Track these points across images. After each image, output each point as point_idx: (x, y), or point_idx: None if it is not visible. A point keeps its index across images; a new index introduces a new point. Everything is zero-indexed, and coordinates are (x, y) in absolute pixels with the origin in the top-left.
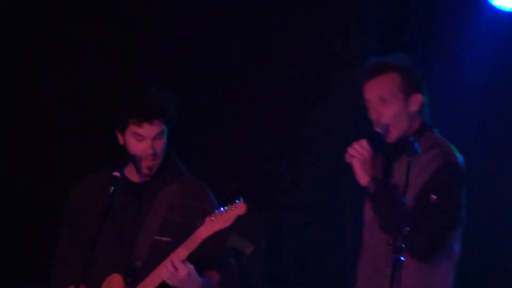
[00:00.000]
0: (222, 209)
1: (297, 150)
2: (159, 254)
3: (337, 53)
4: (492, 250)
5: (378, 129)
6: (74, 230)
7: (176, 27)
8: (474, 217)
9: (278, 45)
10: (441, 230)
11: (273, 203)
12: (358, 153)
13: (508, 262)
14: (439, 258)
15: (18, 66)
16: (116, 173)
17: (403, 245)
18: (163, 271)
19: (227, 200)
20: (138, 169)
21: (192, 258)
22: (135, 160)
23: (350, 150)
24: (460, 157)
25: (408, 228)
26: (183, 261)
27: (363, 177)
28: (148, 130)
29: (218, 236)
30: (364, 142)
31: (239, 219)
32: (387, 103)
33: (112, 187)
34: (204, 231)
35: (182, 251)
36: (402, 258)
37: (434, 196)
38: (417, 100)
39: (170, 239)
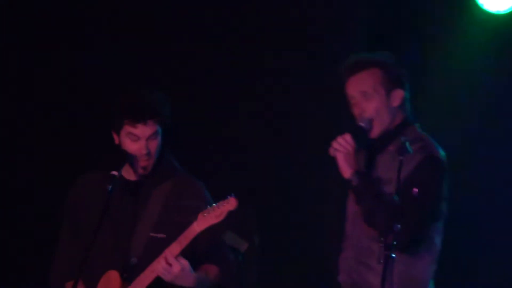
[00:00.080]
0: (214, 205)
1: (292, 147)
2: (155, 250)
3: (328, 54)
4: (472, 244)
5: (361, 124)
6: (73, 228)
7: (172, 27)
8: (456, 211)
9: (271, 42)
10: (421, 222)
11: (267, 200)
12: (342, 146)
13: (490, 256)
14: (420, 250)
15: (14, 67)
16: (114, 172)
17: (395, 243)
18: (157, 267)
19: (221, 197)
20: (134, 169)
21: (187, 253)
22: (130, 160)
23: (334, 144)
24: (442, 152)
25: (399, 226)
26: (176, 257)
27: (346, 170)
28: (143, 130)
29: (212, 231)
30: (347, 136)
31: (230, 214)
32: (369, 98)
33: (110, 186)
34: (197, 227)
35: (175, 247)
36: (393, 256)
37: (415, 189)
38: (398, 95)
39: (165, 236)
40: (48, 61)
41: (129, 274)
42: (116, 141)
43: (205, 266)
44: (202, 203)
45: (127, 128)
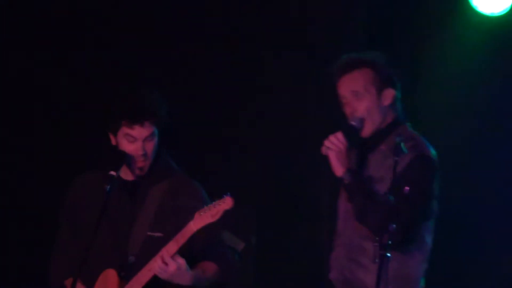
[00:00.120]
0: (210, 204)
1: (290, 147)
2: (152, 249)
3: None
4: (463, 243)
5: (353, 123)
6: (72, 227)
7: (170, 28)
8: (447, 210)
9: (270, 42)
10: (413, 221)
11: (264, 200)
12: (334, 145)
13: (479, 255)
14: (412, 249)
15: (12, 67)
16: (112, 172)
17: (390, 242)
18: (154, 266)
19: (219, 197)
20: (131, 169)
21: (184, 251)
22: (128, 160)
23: (326, 142)
24: (432, 150)
25: (394, 226)
26: (173, 256)
27: (338, 169)
28: (139, 131)
29: (208, 230)
30: (339, 135)
31: (226, 213)
32: (360, 97)
33: (109, 186)
34: (194, 226)
35: (172, 246)
36: (388, 255)
37: (407, 188)
38: (389, 94)
39: (162, 235)
40: (47, 61)
41: (126, 273)
42: (113, 142)
43: (202, 263)
44: (198, 202)
45: (124, 130)
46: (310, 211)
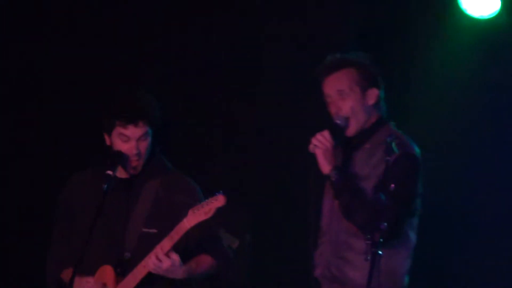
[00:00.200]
0: (203, 201)
1: (284, 145)
2: (147, 245)
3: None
4: (447, 241)
5: (338, 121)
6: (68, 225)
7: (163, 28)
8: (430, 209)
9: (265, 41)
10: (399, 217)
11: (258, 198)
12: (321, 143)
13: (463, 254)
14: (397, 245)
15: (8, 66)
16: (110, 172)
17: (381, 240)
18: (149, 263)
19: (211, 194)
20: (124, 168)
21: (180, 246)
22: (122, 159)
23: (313, 140)
24: (417, 149)
25: (386, 224)
26: (167, 252)
27: (325, 166)
28: (133, 131)
29: (202, 227)
30: (326, 133)
31: (219, 211)
32: (345, 97)
33: (106, 185)
34: (187, 223)
35: (167, 243)
36: (380, 253)
37: (393, 185)
38: (373, 94)
39: (156, 231)
40: (45, 61)
41: (123, 269)
42: (108, 142)
43: (198, 257)
44: (192, 199)
45: (118, 129)
46: (305, 209)
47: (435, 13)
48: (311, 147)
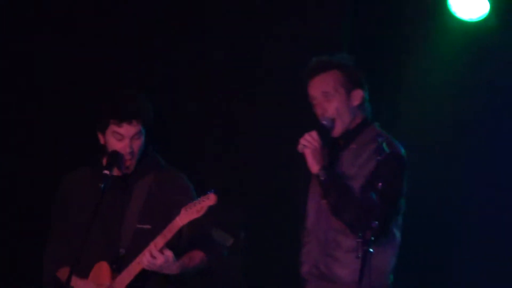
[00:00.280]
0: (195, 200)
1: (278, 143)
2: (141, 241)
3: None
4: (437, 240)
5: (324, 122)
6: (64, 225)
7: (159, 27)
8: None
9: (258, 42)
10: (387, 215)
11: (252, 195)
12: (310, 143)
13: (442, 251)
14: (383, 243)
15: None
16: (106, 171)
17: (373, 238)
18: (143, 260)
19: (203, 192)
20: (118, 167)
21: (172, 244)
22: (117, 158)
23: (302, 141)
24: (402, 149)
25: (377, 223)
26: (161, 249)
27: (314, 166)
28: (127, 129)
29: (194, 225)
30: (314, 133)
31: (211, 209)
32: (330, 98)
33: (103, 185)
34: (180, 221)
35: (160, 240)
36: (371, 251)
37: (380, 184)
38: (358, 95)
39: (150, 227)
40: (42, 61)
41: (118, 265)
42: (102, 141)
43: (190, 252)
44: (184, 197)
45: (113, 127)
46: (299, 206)
47: (425, 16)
48: (300, 147)
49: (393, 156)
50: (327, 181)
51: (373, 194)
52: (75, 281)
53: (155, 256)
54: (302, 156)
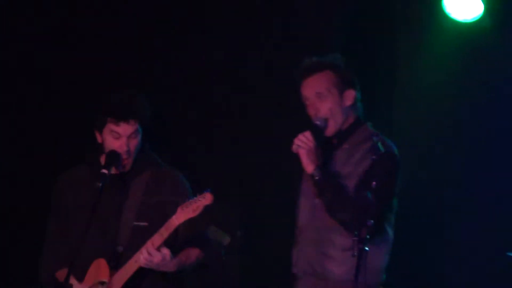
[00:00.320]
0: (192, 199)
1: (274, 142)
2: (139, 238)
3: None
4: (418, 240)
5: (317, 122)
6: (61, 222)
7: (157, 27)
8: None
9: (252, 42)
10: (381, 214)
11: (249, 194)
12: (304, 143)
13: (434, 249)
14: (377, 241)
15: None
16: (104, 170)
17: (368, 237)
18: (140, 258)
19: (200, 191)
20: (116, 166)
21: (170, 241)
22: (114, 157)
23: (296, 141)
24: (395, 148)
25: (372, 221)
26: (158, 247)
27: (309, 166)
28: (124, 128)
29: (191, 223)
30: (308, 133)
31: (207, 208)
32: (323, 98)
33: (101, 183)
34: (176, 220)
35: (157, 239)
36: (367, 249)
37: (374, 182)
38: (350, 95)
39: (147, 224)
40: (42, 60)
41: (116, 262)
42: (99, 140)
43: (186, 250)
44: (181, 196)
45: (110, 126)
46: (295, 205)
47: (419, 17)
48: (294, 147)
49: (387, 155)
50: (322, 181)
51: (368, 193)
52: (73, 281)
53: (152, 254)
54: (296, 156)
